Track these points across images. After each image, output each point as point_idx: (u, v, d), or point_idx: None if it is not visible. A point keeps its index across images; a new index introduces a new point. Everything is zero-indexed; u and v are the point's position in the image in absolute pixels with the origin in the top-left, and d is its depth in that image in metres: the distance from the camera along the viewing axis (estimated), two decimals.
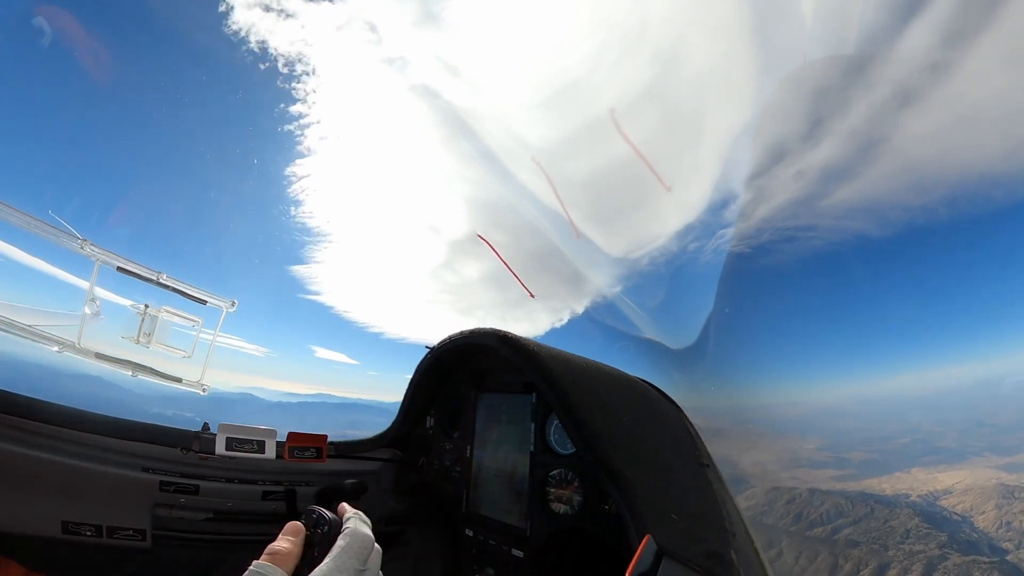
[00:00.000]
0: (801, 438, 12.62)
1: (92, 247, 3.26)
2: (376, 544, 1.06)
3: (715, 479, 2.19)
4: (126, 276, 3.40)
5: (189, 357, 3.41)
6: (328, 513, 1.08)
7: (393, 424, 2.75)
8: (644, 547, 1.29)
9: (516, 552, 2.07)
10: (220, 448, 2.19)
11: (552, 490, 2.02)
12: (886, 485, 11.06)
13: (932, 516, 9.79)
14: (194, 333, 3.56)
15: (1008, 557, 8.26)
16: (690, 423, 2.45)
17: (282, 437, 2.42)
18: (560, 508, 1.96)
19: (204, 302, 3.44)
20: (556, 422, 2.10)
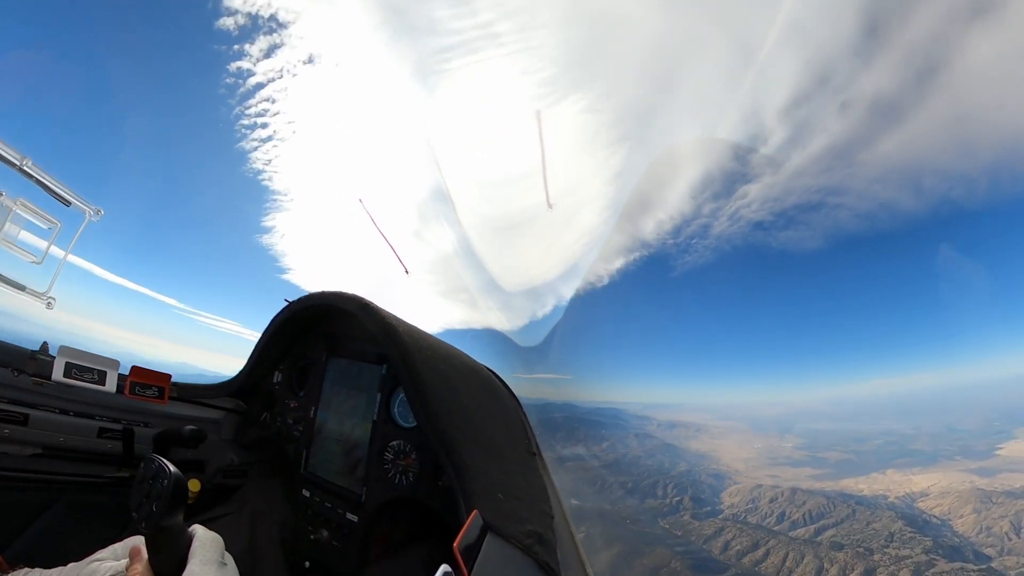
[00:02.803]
0: (779, 437, 12.33)
1: None
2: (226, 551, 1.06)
3: (541, 467, 2.31)
4: None
5: (39, 263, 3.01)
6: (171, 466, 1.01)
7: (240, 374, 2.66)
8: (471, 521, 1.32)
9: (351, 516, 2.10)
10: (58, 374, 1.97)
11: (390, 459, 2.05)
12: (863, 486, 10.86)
13: (913, 519, 9.55)
14: (49, 239, 3.00)
15: (993, 564, 8.00)
16: (524, 414, 2.53)
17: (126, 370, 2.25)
18: (396, 478, 2.01)
19: (68, 203, 2.99)
20: (402, 396, 2.11)
